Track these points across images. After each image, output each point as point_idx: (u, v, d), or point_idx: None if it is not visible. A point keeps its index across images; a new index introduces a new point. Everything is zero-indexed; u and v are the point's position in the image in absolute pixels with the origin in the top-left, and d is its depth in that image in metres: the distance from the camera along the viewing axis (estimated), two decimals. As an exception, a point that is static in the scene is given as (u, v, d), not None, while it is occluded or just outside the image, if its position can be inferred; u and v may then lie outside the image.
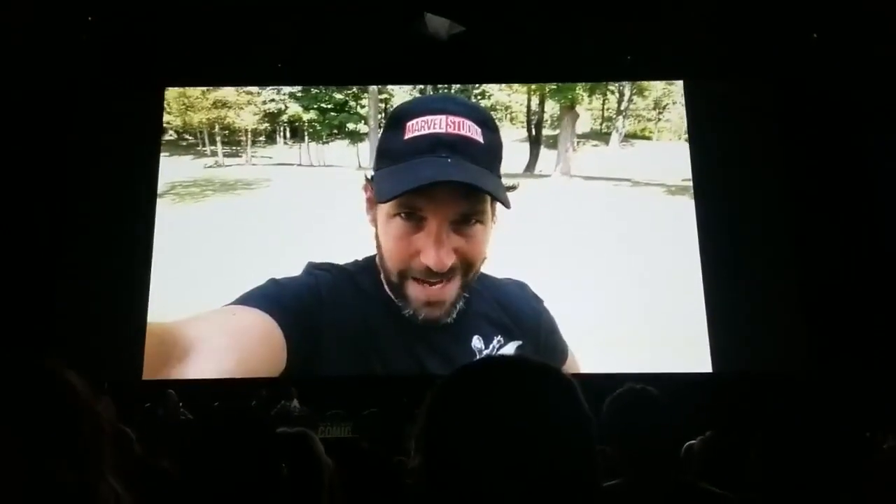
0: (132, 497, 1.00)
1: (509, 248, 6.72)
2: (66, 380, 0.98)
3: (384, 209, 4.81)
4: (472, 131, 4.50)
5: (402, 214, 4.76)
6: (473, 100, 8.93)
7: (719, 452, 2.35)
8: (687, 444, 2.68)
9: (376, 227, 4.96)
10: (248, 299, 4.88)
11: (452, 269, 4.85)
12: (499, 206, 4.92)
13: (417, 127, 4.50)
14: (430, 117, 4.51)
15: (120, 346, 7.56)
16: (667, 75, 9.09)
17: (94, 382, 1.03)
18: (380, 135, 5.68)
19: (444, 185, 4.52)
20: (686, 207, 8.59)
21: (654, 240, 8.42)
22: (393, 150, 4.60)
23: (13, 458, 0.90)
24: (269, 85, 9.22)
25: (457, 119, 4.50)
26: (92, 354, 6.75)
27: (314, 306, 5.07)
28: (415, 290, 4.95)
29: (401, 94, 8.96)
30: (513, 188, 5.03)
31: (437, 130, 4.45)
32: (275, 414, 6.56)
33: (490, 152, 4.60)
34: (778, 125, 8.54)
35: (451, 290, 4.94)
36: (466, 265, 4.91)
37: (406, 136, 4.50)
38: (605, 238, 8.52)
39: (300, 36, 8.24)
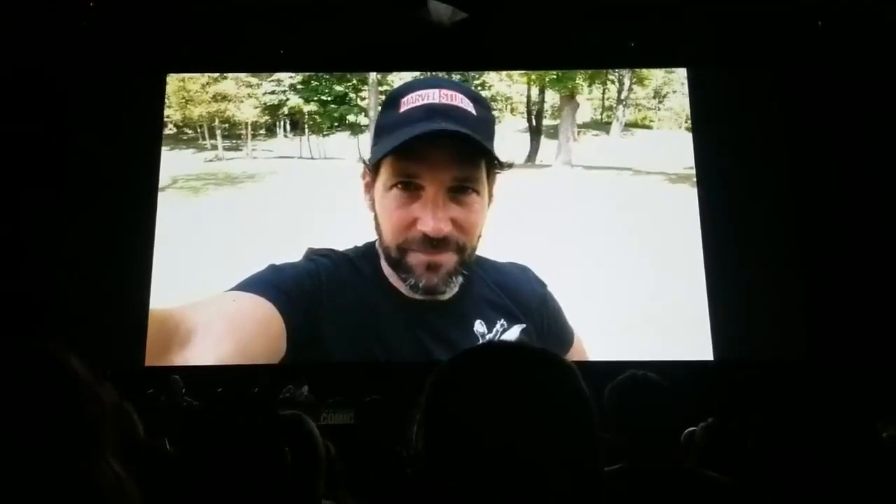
0: (134, 480, 1.00)
1: (511, 237, 6.74)
2: (67, 362, 0.98)
3: (381, 183, 4.83)
4: (465, 103, 4.56)
5: (400, 184, 4.79)
6: (473, 89, 8.92)
7: (720, 439, 2.36)
8: (688, 430, 2.69)
9: (374, 210, 4.97)
10: (249, 285, 4.89)
11: (449, 240, 4.86)
12: (497, 187, 4.93)
13: (412, 101, 4.57)
14: (423, 91, 4.59)
15: (122, 333, 7.58)
16: (670, 63, 9.07)
17: (97, 369, 1.03)
18: (376, 118, 5.72)
19: (438, 151, 4.59)
20: (688, 196, 8.59)
21: (656, 228, 8.42)
22: (388, 124, 4.66)
23: (14, 439, 0.90)
24: (271, 72, 9.21)
25: (450, 92, 4.59)
26: (94, 342, 6.76)
27: (314, 291, 5.07)
28: (416, 258, 4.96)
29: (399, 80, 8.93)
30: (509, 166, 5.06)
31: (431, 101, 4.52)
32: (280, 400, 6.60)
33: (482, 124, 4.64)
34: (782, 113, 8.51)
35: (449, 257, 4.95)
36: (463, 236, 4.92)
37: (401, 110, 4.56)
38: (607, 227, 8.52)
39: (303, 22, 8.22)
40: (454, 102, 4.52)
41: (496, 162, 4.78)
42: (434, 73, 8.80)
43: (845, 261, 7.89)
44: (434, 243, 4.82)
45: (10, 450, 0.89)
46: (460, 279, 5.09)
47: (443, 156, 4.65)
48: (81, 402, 0.96)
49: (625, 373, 1.90)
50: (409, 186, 4.80)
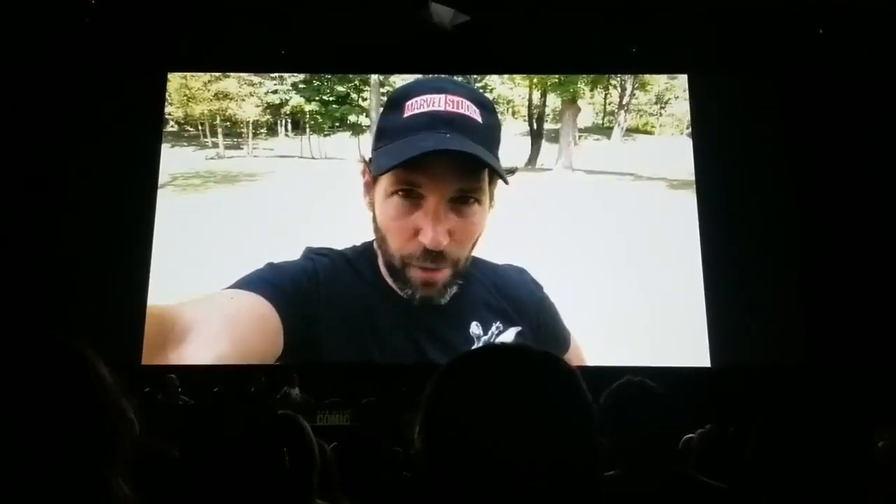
0: (134, 489, 0.95)
1: (510, 240, 6.72)
2: (96, 367, 0.94)
3: (382, 189, 4.78)
4: (471, 111, 4.49)
5: (400, 192, 4.73)
6: (478, 91, 8.92)
7: (718, 445, 2.36)
8: (685, 437, 2.68)
9: (373, 210, 4.94)
10: (246, 283, 4.86)
11: (446, 254, 4.84)
12: (497, 190, 4.91)
13: (416, 105, 4.47)
14: (429, 96, 4.48)
15: (119, 331, 7.56)
16: (672, 69, 9.08)
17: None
18: (378, 117, 5.68)
19: (442, 162, 4.50)
20: (688, 202, 8.59)
21: (656, 234, 8.43)
22: (391, 128, 4.57)
23: (23, 437, 0.85)
24: (271, 72, 9.21)
25: (456, 98, 4.49)
26: (91, 339, 6.73)
27: (312, 290, 5.04)
28: (415, 273, 4.96)
29: (402, 82, 8.92)
30: (512, 172, 5.02)
31: (437, 108, 4.43)
32: (275, 401, 6.59)
33: (488, 132, 4.58)
34: (782, 120, 8.53)
35: (444, 273, 4.94)
36: (458, 248, 4.90)
37: (405, 115, 4.47)
38: (607, 232, 8.52)
39: (304, 23, 8.23)
40: (460, 110, 4.45)
41: (500, 174, 4.75)
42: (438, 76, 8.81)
43: (844, 267, 7.90)
44: (433, 256, 4.81)
45: (16, 446, 0.85)
46: (456, 288, 5.07)
47: (446, 167, 4.59)
48: (103, 411, 0.91)
49: (621, 378, 1.90)
50: (410, 195, 4.75)
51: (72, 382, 0.91)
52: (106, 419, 0.92)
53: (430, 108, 4.45)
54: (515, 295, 5.37)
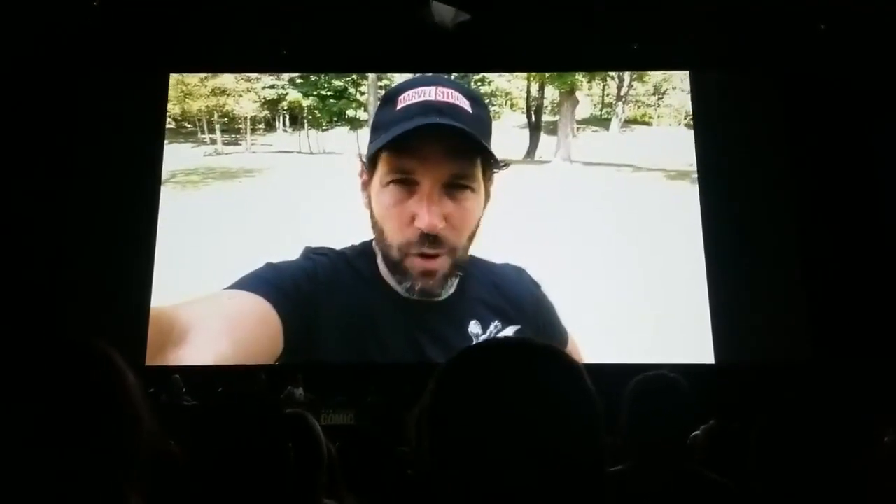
0: (142, 489, 0.94)
1: (510, 233, 6.72)
2: (125, 376, 0.92)
3: (377, 181, 4.82)
4: (462, 101, 4.57)
5: (395, 180, 4.77)
6: (473, 85, 8.93)
7: (722, 442, 2.36)
8: (692, 434, 2.68)
9: (370, 207, 4.97)
10: (245, 283, 4.84)
11: (442, 239, 4.86)
12: (496, 184, 4.93)
13: (409, 97, 4.56)
14: (421, 89, 4.59)
15: (122, 331, 7.53)
16: (673, 66, 9.06)
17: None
18: (373, 115, 5.73)
19: (434, 146, 4.59)
20: (687, 193, 8.59)
21: (655, 225, 8.42)
22: (385, 121, 4.64)
23: (33, 449, 0.84)
24: (273, 72, 9.20)
25: (447, 90, 4.59)
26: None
27: (311, 290, 5.05)
28: (413, 263, 4.99)
29: (400, 80, 8.91)
30: (505, 165, 5.08)
31: (428, 98, 4.53)
32: (279, 400, 6.61)
33: (478, 123, 4.64)
34: (784, 116, 8.52)
35: (443, 262, 4.97)
36: (455, 235, 4.93)
37: (398, 107, 4.56)
38: (606, 224, 8.52)
39: (305, 23, 8.21)
40: (451, 100, 4.53)
41: (492, 160, 4.78)
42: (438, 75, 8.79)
43: (847, 262, 7.89)
44: (430, 240, 4.83)
45: (36, 451, 0.84)
46: (456, 280, 5.10)
47: (438, 151, 4.65)
48: (125, 430, 0.89)
49: (657, 370, 1.92)
50: (404, 182, 4.79)
51: (100, 389, 0.90)
52: (127, 427, 0.91)
53: (422, 99, 4.54)
54: (514, 294, 5.38)
